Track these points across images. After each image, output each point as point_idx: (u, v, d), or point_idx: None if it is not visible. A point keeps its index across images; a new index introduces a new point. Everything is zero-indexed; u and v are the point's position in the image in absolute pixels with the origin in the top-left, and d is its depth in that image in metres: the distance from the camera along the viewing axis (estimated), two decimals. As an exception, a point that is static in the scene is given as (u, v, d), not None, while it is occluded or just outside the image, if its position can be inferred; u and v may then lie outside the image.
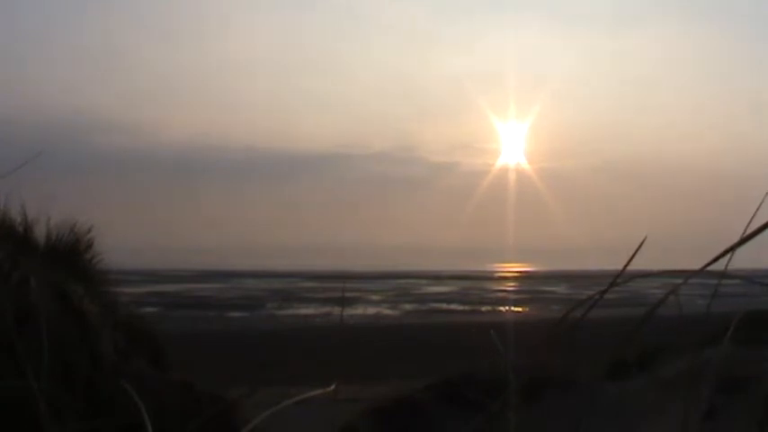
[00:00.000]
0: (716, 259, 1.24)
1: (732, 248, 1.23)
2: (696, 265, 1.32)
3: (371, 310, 45.77)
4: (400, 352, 24.41)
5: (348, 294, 50.07)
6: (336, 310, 42.74)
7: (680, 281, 1.37)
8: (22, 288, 3.49)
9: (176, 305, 45.89)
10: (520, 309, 48.39)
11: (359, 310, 45.09)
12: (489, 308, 48.24)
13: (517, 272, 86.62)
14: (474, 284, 66.80)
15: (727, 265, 1.28)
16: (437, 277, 73.55)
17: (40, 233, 4.30)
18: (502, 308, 48.91)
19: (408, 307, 48.31)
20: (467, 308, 48.13)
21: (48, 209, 4.30)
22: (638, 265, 1.39)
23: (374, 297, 53.47)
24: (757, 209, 1.29)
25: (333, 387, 2.57)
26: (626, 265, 1.33)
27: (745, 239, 1.22)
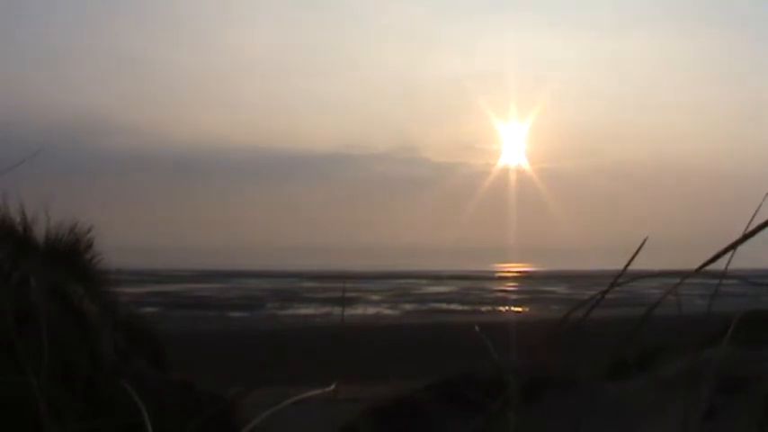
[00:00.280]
0: (714, 259, 1.24)
1: (729, 248, 1.23)
2: (696, 265, 1.32)
3: (371, 310, 45.76)
4: (400, 352, 24.41)
5: (348, 294, 50.06)
6: (336, 310, 42.73)
7: (679, 281, 1.37)
8: (22, 288, 3.49)
9: (176, 305, 45.87)
10: (520, 309, 48.37)
11: (359, 310, 45.08)
12: (489, 308, 48.23)
13: (517, 272, 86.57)
14: (474, 284, 66.76)
15: (727, 265, 1.28)
16: (437, 277, 73.51)
17: (39, 233, 4.30)
18: (502, 308, 48.90)
19: (408, 307, 48.29)
20: (467, 308, 48.11)
21: (48, 209, 4.30)
22: (639, 265, 1.39)
23: (374, 297, 53.45)
24: (757, 209, 1.29)
25: (333, 387, 2.57)
26: (627, 266, 1.33)
27: (742, 239, 1.22)
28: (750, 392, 6.42)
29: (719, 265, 1.27)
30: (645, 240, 1.39)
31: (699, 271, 1.26)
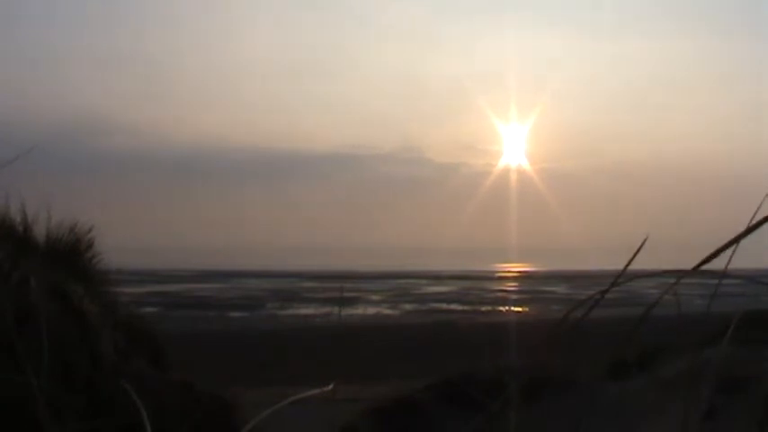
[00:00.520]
0: (711, 257, 1.24)
1: (725, 247, 1.23)
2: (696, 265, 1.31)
3: (371, 310, 45.75)
4: (400, 352, 24.39)
5: (348, 294, 50.06)
6: (336, 310, 42.72)
7: (676, 280, 1.37)
8: (22, 288, 3.49)
9: (176, 305, 45.86)
10: (520, 309, 48.37)
11: (359, 310, 45.08)
12: (489, 308, 48.22)
13: (517, 272, 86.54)
14: (474, 284, 66.75)
15: (727, 265, 1.28)
16: (437, 277, 73.50)
17: (40, 233, 4.30)
18: (502, 308, 48.89)
19: (408, 307, 48.28)
20: (467, 308, 48.11)
21: (48, 209, 4.30)
22: (639, 264, 1.39)
23: (374, 297, 53.46)
24: (757, 209, 1.29)
25: (332, 387, 2.57)
26: (627, 265, 1.33)
27: (739, 237, 1.22)
28: (750, 392, 6.42)
29: (720, 264, 1.26)
30: (645, 240, 1.39)
31: (696, 269, 1.26)
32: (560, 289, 63.37)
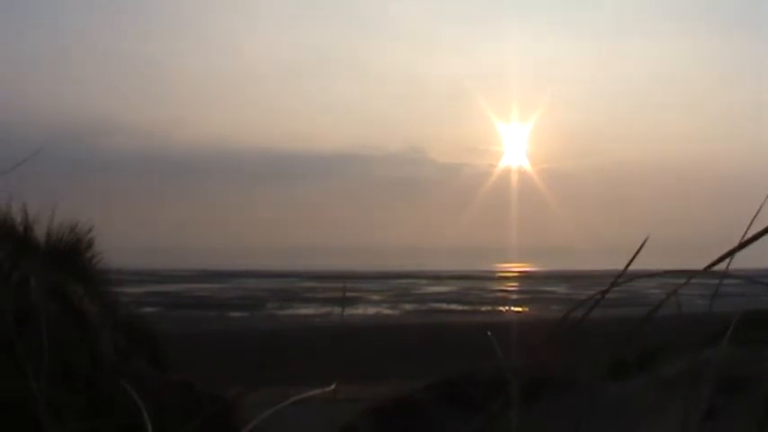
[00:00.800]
0: (717, 261, 1.24)
1: (733, 252, 1.23)
2: (696, 264, 1.31)
3: (371, 310, 45.74)
4: (400, 352, 24.40)
5: (348, 294, 50.03)
6: (336, 310, 42.70)
7: (681, 281, 1.36)
8: (22, 288, 3.49)
9: (176, 305, 45.86)
10: (520, 309, 48.36)
11: (359, 310, 45.07)
12: (489, 308, 48.22)
13: (517, 272, 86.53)
14: (474, 284, 66.74)
15: (728, 266, 1.28)
16: (437, 277, 73.49)
17: (40, 233, 4.30)
18: (502, 308, 48.88)
19: (408, 307, 48.28)
20: (467, 308, 48.10)
21: (49, 209, 4.30)
22: (639, 264, 1.39)
23: (374, 297, 53.44)
24: (758, 210, 1.29)
25: (333, 387, 2.56)
26: (627, 265, 1.33)
27: (745, 243, 1.22)
28: (750, 392, 6.41)
29: (720, 264, 1.26)
30: (645, 240, 1.39)
31: (704, 272, 1.26)
32: (560, 289, 63.37)
